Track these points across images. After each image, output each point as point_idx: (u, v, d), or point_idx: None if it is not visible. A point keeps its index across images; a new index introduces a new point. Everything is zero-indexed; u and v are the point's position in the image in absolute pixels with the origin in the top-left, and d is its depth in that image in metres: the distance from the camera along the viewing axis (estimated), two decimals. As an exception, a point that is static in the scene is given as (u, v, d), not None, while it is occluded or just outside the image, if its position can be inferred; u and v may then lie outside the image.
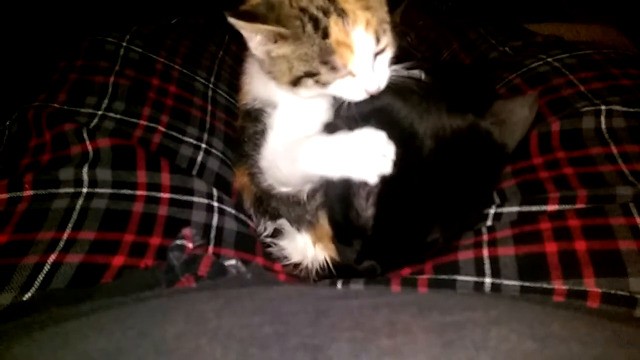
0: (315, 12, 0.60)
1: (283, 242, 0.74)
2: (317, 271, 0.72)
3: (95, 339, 0.38)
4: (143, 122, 0.79)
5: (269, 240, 0.75)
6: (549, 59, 0.86)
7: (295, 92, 0.65)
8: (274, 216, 0.74)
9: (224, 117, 0.93)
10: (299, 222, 0.71)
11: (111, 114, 0.78)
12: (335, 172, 0.60)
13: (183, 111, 0.87)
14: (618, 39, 1.40)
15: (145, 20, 1.08)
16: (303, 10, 0.60)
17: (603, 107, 0.72)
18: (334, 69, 0.61)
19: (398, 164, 0.57)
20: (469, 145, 0.65)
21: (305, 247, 0.72)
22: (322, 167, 0.61)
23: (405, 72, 0.69)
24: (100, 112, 0.78)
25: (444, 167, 0.63)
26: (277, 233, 0.75)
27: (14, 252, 0.59)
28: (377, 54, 0.63)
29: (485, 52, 1.08)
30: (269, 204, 0.74)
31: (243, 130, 0.76)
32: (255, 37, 0.63)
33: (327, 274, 0.71)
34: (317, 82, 0.62)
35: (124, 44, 0.91)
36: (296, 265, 0.73)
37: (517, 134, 0.69)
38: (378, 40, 0.62)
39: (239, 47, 0.82)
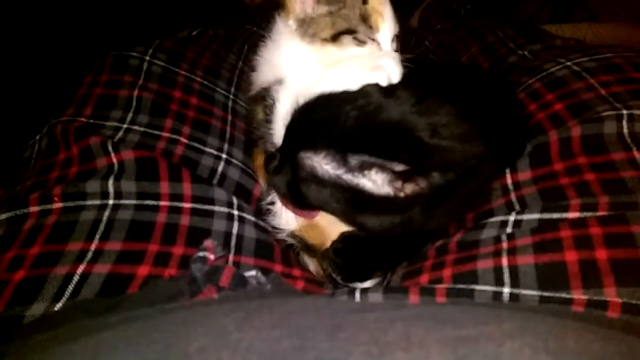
0: None
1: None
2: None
3: (124, 352, 0.39)
4: (166, 134, 0.82)
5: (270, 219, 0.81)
6: (569, 63, 0.85)
7: (328, 50, 0.78)
8: None
9: (244, 127, 0.94)
10: None
11: (135, 127, 0.81)
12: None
13: (204, 122, 0.89)
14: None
15: (166, 32, 1.11)
16: None
17: (625, 112, 0.71)
18: (370, 28, 0.76)
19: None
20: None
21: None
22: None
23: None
24: (125, 126, 0.81)
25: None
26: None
27: (45, 263, 0.62)
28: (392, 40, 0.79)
29: (503, 56, 1.07)
30: None
31: (252, 117, 0.84)
32: None
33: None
34: (354, 39, 0.76)
35: (147, 57, 0.94)
36: (294, 235, 0.79)
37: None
38: (395, 26, 0.79)
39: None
